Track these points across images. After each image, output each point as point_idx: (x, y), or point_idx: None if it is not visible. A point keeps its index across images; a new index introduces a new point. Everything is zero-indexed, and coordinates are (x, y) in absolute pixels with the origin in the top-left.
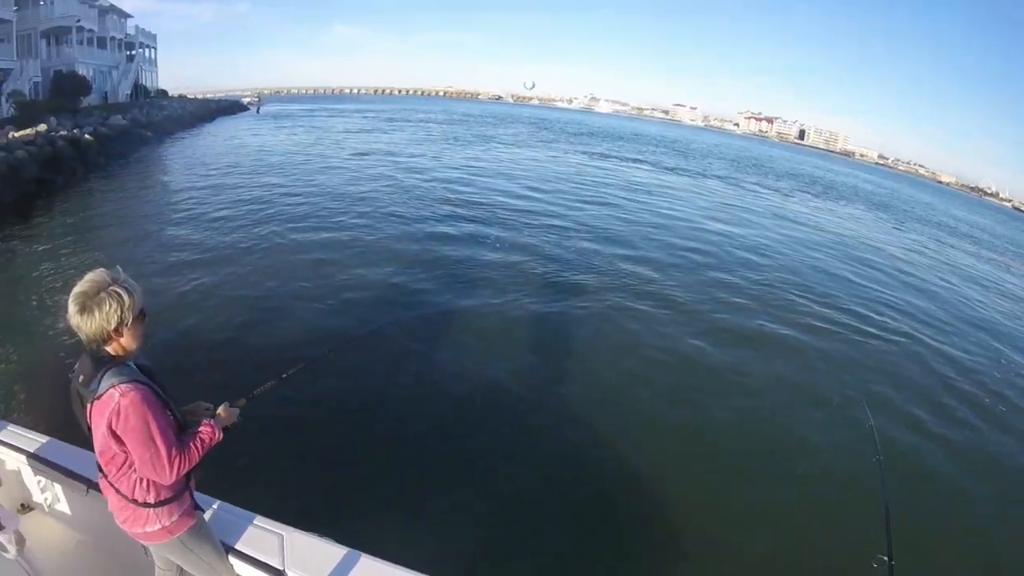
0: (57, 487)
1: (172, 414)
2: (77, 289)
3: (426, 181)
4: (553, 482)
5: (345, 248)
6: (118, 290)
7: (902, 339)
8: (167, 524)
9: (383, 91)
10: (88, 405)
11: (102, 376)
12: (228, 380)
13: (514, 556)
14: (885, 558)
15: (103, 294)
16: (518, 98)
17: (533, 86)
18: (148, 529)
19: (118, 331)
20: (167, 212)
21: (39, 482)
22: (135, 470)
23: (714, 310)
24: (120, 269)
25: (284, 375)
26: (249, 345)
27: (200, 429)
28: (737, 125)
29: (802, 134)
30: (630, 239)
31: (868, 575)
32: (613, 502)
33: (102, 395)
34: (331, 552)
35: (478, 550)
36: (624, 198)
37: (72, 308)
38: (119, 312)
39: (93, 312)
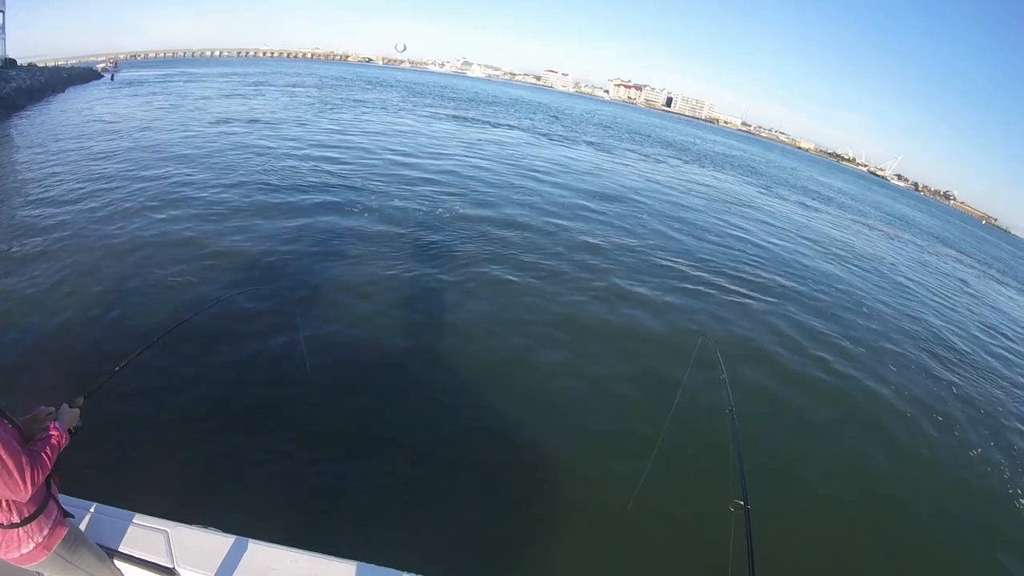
0: None
1: (11, 424)
2: None
3: (295, 149)
4: (420, 451)
5: (202, 222)
6: None
7: (760, 294)
8: (40, 540)
9: (246, 53)
10: None
11: None
12: (66, 380)
13: (385, 523)
14: (741, 502)
15: None
16: (389, 61)
17: (404, 49)
18: (24, 551)
19: None
20: (7, 197)
21: None
22: None
23: (581, 274)
24: None
25: (117, 368)
26: (86, 340)
27: (48, 434)
28: (607, 92)
29: (669, 101)
30: (501, 205)
31: (727, 519)
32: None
33: None
34: (220, 542)
35: (356, 524)
36: (498, 165)
37: None
38: None
39: None
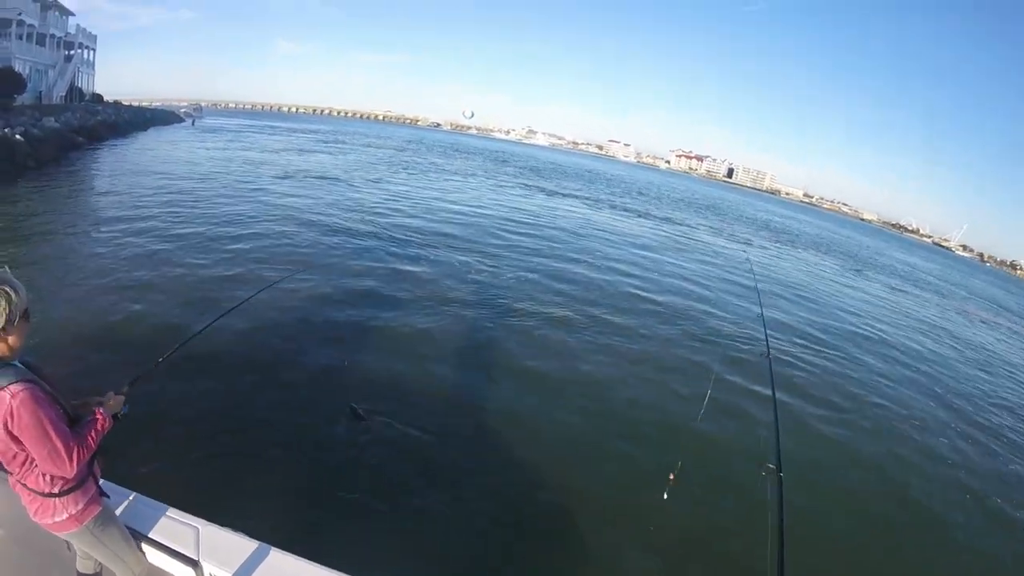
0: None
1: (62, 407)
2: None
3: (371, 205)
4: (462, 486)
5: (261, 258)
6: (6, 289)
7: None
8: (74, 512)
9: (322, 111)
10: None
11: None
12: (114, 370)
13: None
14: (772, 466)
15: None
16: (457, 127)
17: (472, 115)
18: (57, 519)
19: (5, 330)
20: (87, 220)
21: None
22: (37, 465)
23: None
24: (7, 269)
25: (160, 359)
26: (134, 334)
27: (93, 418)
28: (668, 162)
29: (731, 172)
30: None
31: (760, 480)
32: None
33: None
34: (244, 545)
35: (392, 550)
36: (583, 239)
37: None
38: (7, 311)
39: None
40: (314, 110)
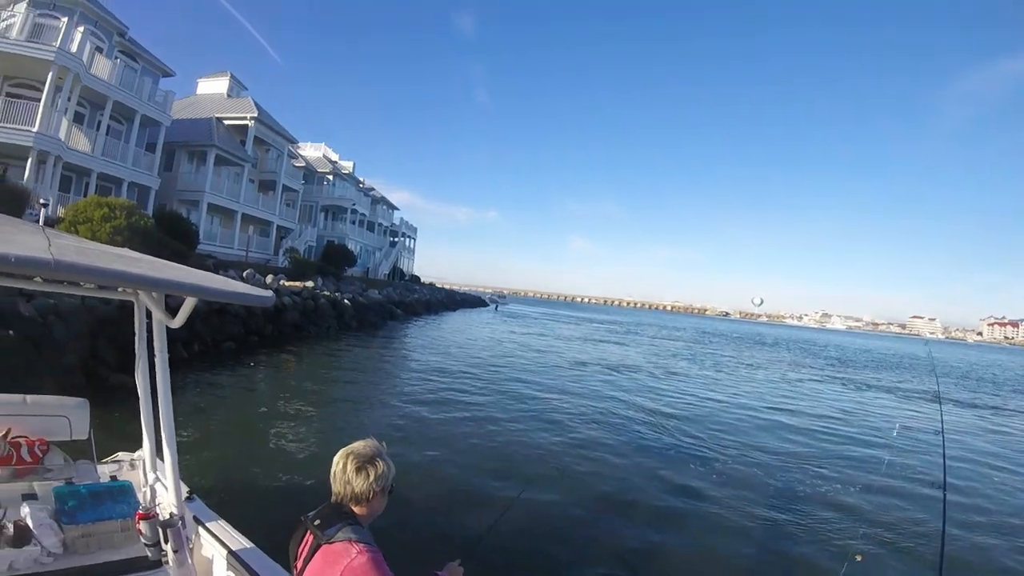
0: None
1: None
2: (357, 450)
3: (667, 402)
4: None
5: (560, 440)
6: (386, 460)
7: None
8: None
9: (612, 302)
10: (315, 543)
11: (341, 527)
12: (445, 544)
13: None
14: None
15: (377, 460)
16: (746, 315)
17: (761, 302)
18: None
19: (377, 496)
20: (397, 381)
21: None
22: None
23: None
24: (382, 443)
25: (488, 529)
26: (458, 509)
27: None
28: (980, 334)
29: None
30: None
31: None
32: None
33: (335, 543)
34: None
35: None
36: None
37: (349, 465)
38: (385, 479)
39: (368, 473)
40: (604, 300)
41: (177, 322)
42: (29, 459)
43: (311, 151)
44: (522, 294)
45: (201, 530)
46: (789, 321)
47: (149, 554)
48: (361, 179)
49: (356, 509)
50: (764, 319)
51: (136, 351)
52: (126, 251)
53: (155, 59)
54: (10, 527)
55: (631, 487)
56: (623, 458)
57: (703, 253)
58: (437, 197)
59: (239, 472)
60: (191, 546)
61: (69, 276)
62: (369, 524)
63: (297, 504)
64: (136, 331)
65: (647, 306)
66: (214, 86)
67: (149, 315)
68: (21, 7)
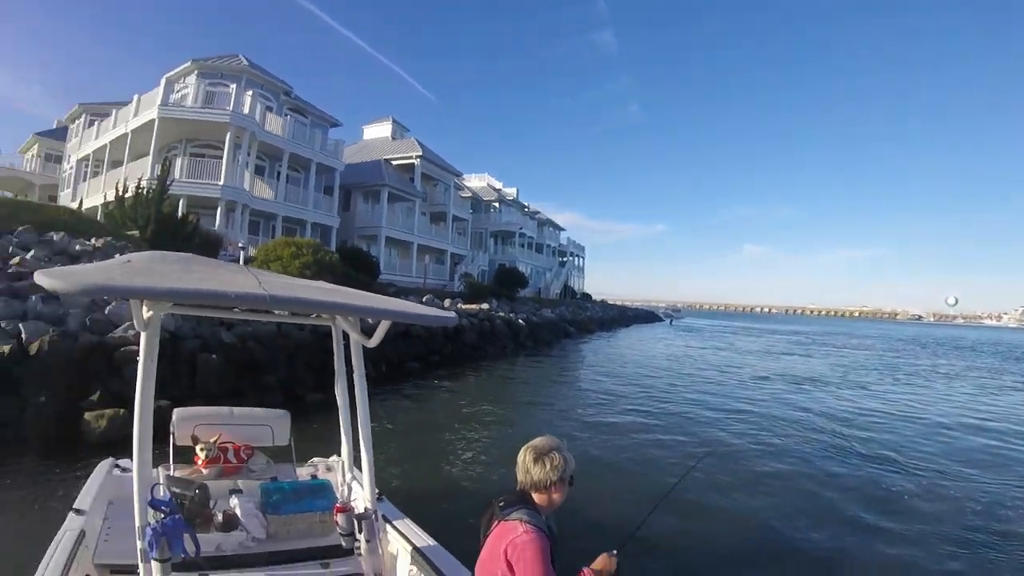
0: None
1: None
2: (535, 443)
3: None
4: None
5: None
6: (565, 454)
7: None
8: None
9: (794, 311)
10: (495, 521)
11: (517, 508)
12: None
13: None
14: None
15: (554, 452)
16: (940, 317)
17: (956, 303)
18: None
19: (555, 485)
20: (571, 397)
21: (410, 571)
22: None
23: None
24: (563, 440)
25: (638, 525)
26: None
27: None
28: None
29: None
30: None
31: None
32: None
33: (509, 521)
34: None
35: None
36: None
37: (528, 456)
38: (562, 469)
39: (544, 463)
40: (786, 310)
41: (373, 342)
42: (235, 461)
43: (476, 182)
44: (696, 307)
45: (388, 527)
46: (987, 322)
47: (343, 543)
48: (526, 204)
49: (536, 497)
50: (960, 321)
51: (335, 368)
52: (322, 283)
53: (322, 112)
54: (220, 515)
55: (806, 499)
56: (799, 469)
57: (891, 248)
58: (602, 215)
59: (424, 477)
60: (380, 539)
61: (281, 307)
62: (548, 514)
63: (476, 507)
64: (335, 351)
65: (832, 313)
66: (378, 131)
67: (345, 336)
68: (191, 79)
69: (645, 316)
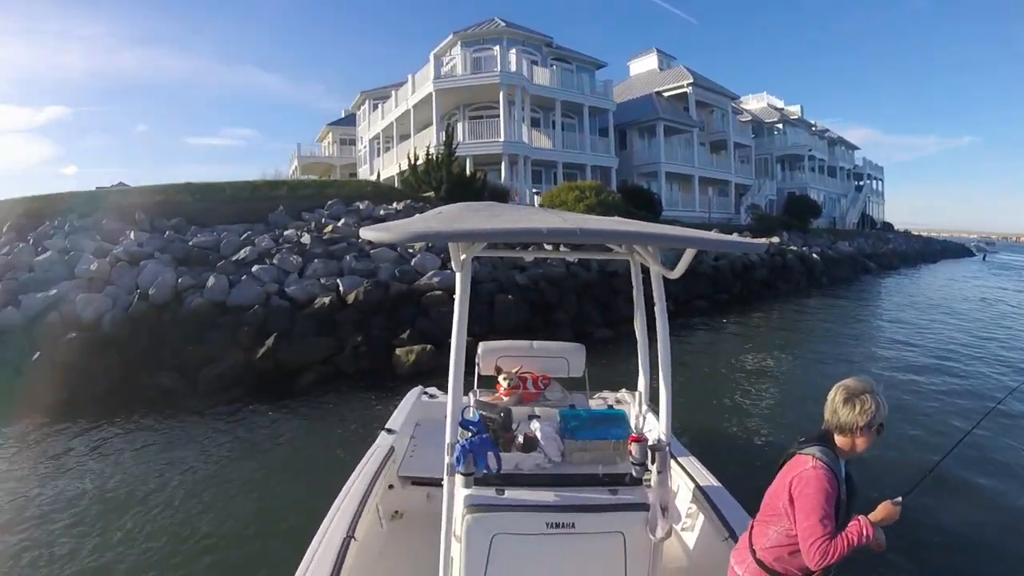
0: (702, 519)
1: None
2: (847, 383)
3: None
4: None
5: None
6: (879, 398)
7: None
8: None
9: None
10: (790, 453)
11: (813, 444)
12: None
13: None
14: None
15: (866, 395)
16: None
17: None
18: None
19: (861, 430)
20: (869, 342)
21: (689, 509)
22: (776, 532)
23: None
24: (879, 384)
25: (930, 469)
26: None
27: (849, 526)
28: None
29: None
30: None
31: None
32: None
33: (801, 455)
34: None
35: None
36: None
37: (838, 396)
38: (872, 413)
39: (854, 405)
40: None
41: (676, 273)
42: (534, 389)
43: (754, 103)
44: (1015, 240)
45: (672, 463)
46: None
47: (634, 471)
48: (812, 122)
49: (839, 439)
50: None
51: (635, 301)
52: (617, 218)
53: (586, 56)
54: (520, 437)
55: None
56: None
57: None
58: (898, 128)
59: (710, 417)
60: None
61: (590, 240)
62: (848, 460)
63: (760, 450)
64: (634, 284)
65: None
66: (644, 64)
67: (644, 271)
68: (456, 50)
69: (954, 250)
